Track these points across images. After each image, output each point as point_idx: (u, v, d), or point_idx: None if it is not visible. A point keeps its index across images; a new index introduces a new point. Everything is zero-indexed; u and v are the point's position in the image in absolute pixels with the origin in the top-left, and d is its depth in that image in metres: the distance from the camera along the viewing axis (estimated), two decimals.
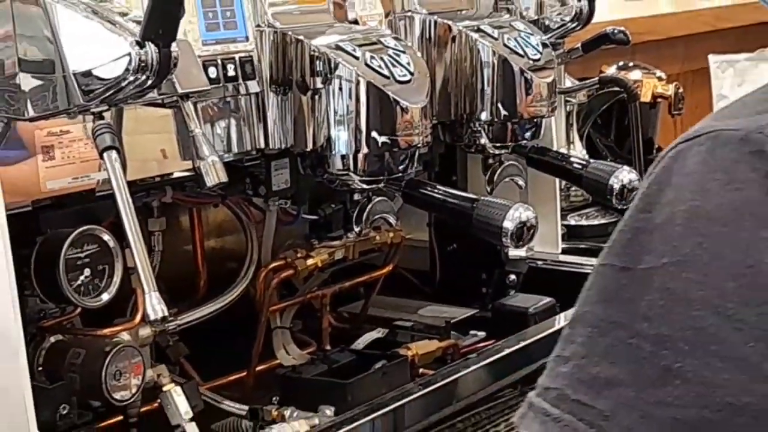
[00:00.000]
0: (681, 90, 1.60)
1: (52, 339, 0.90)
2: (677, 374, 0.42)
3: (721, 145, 0.43)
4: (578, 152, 1.32)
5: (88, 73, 0.81)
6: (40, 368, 0.89)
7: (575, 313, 0.47)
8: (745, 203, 0.42)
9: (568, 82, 1.32)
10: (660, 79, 1.56)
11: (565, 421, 0.43)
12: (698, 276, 0.42)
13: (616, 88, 1.28)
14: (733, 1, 2.69)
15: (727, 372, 0.41)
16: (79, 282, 0.87)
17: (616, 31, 1.29)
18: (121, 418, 0.94)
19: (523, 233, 1.00)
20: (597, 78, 1.30)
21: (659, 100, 1.57)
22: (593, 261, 1.10)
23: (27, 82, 0.82)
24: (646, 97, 1.47)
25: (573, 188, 1.42)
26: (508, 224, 0.98)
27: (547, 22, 1.22)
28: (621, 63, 1.54)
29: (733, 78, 1.64)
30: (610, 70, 1.38)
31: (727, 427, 0.42)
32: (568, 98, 1.37)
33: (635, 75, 1.40)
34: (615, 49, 1.33)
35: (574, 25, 1.23)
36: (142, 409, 0.94)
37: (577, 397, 0.43)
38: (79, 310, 0.90)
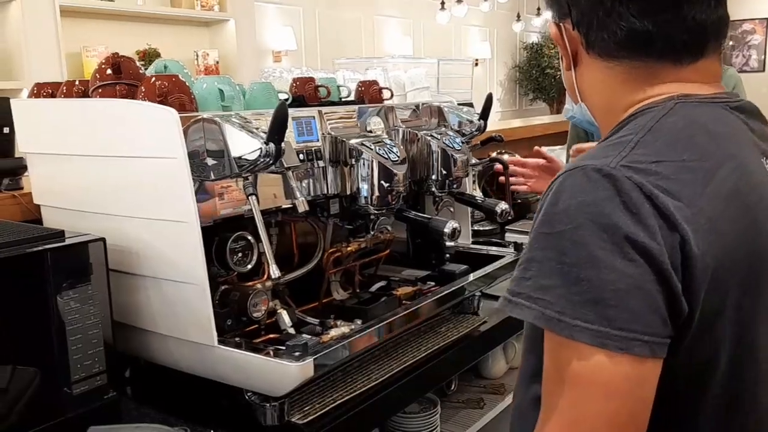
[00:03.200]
0: None
1: (222, 287, 1.23)
2: (584, 278, 0.62)
3: (589, 172, 0.65)
4: (478, 195, 1.70)
5: (240, 157, 1.13)
6: (217, 301, 1.21)
7: (529, 256, 0.66)
8: (605, 197, 0.63)
9: (474, 160, 1.71)
10: (517, 158, 1.95)
11: (532, 307, 0.64)
12: (587, 231, 0.63)
13: (497, 163, 1.77)
14: (552, 120, 3.42)
15: (610, 274, 0.61)
16: (236, 259, 1.22)
17: (497, 136, 1.82)
18: (256, 326, 1.26)
19: (454, 234, 1.45)
20: (488, 158, 1.80)
21: None
22: (486, 247, 1.72)
23: (210, 161, 1.15)
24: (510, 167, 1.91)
25: (476, 212, 1.87)
26: (447, 229, 1.44)
27: (464, 131, 1.66)
28: (499, 151, 2.02)
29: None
30: (493, 155, 1.81)
31: (612, 300, 0.61)
32: (473, 168, 1.77)
33: (505, 157, 1.82)
34: (494, 145, 1.83)
35: (476, 133, 1.69)
36: (267, 321, 1.25)
37: (536, 295, 0.64)
38: (236, 273, 1.23)
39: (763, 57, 9.45)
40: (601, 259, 0.61)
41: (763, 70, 9.42)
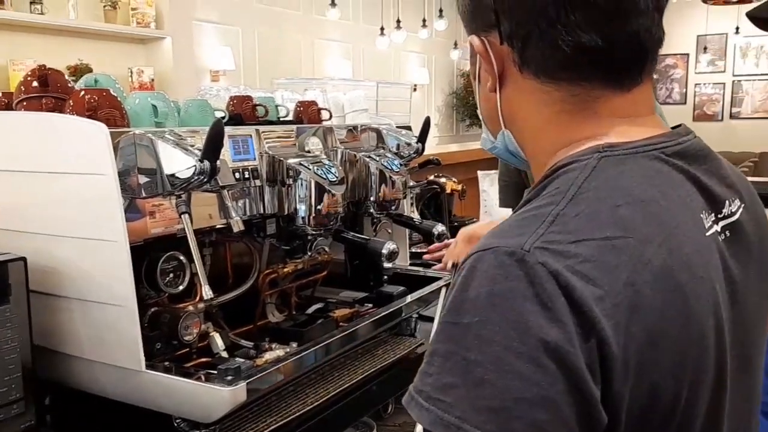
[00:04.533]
0: (464, 187, 2.17)
1: (152, 310, 1.21)
2: (487, 381, 0.54)
3: (501, 256, 0.58)
4: (416, 217, 1.76)
5: (173, 175, 1.13)
6: (146, 324, 1.19)
7: (433, 348, 0.58)
8: (516, 288, 0.56)
9: (412, 182, 1.77)
10: (454, 182, 2.12)
11: (430, 409, 0.56)
12: (494, 327, 0.55)
13: (435, 186, 1.83)
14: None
15: (515, 380, 0.54)
16: (167, 280, 1.20)
17: (434, 159, 1.88)
18: (187, 350, 1.23)
19: (391, 255, 1.50)
20: (426, 180, 1.83)
21: (454, 191, 2.12)
22: (424, 270, 1.73)
23: (142, 179, 1.14)
24: (448, 190, 2.04)
25: (413, 234, 1.89)
26: (384, 251, 1.49)
27: (401, 154, 1.70)
28: (436, 174, 2.06)
29: (488, 182, 2.25)
30: (430, 177, 1.87)
31: (516, 411, 0.54)
32: (410, 190, 1.80)
33: (443, 180, 1.91)
34: (432, 168, 1.89)
35: (414, 155, 1.73)
36: (198, 345, 1.23)
37: (436, 396, 0.56)
38: (166, 294, 1.22)
39: (684, 90, 9.99)
40: (506, 362, 0.55)
41: (685, 103, 9.96)
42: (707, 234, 0.66)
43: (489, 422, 0.54)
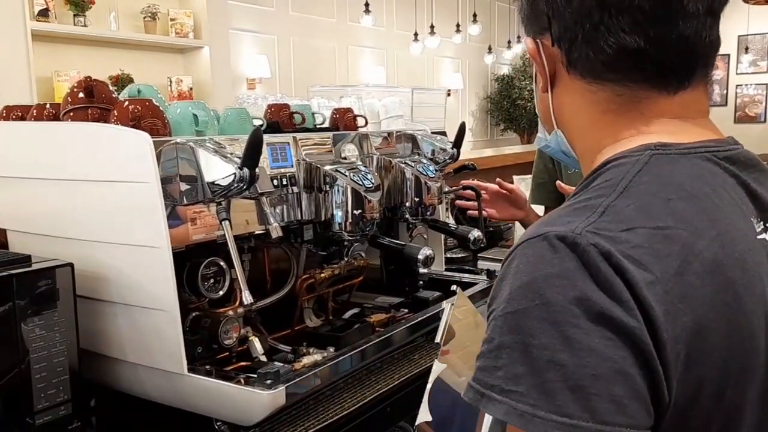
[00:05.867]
0: None
1: (193, 314, 1.22)
2: (557, 363, 0.54)
3: (552, 240, 0.58)
4: (452, 222, 1.77)
5: (213, 182, 1.15)
6: (188, 328, 1.20)
7: (498, 341, 0.57)
8: (572, 269, 0.57)
9: (447, 188, 1.76)
10: None
11: (503, 401, 0.56)
12: (556, 308, 0.56)
13: (470, 190, 1.80)
14: (522, 150, 3.57)
15: (588, 357, 0.54)
16: (208, 285, 1.22)
17: (470, 164, 1.87)
18: (227, 354, 1.24)
19: (428, 261, 1.48)
20: (461, 185, 1.82)
21: None
22: (459, 274, 1.73)
23: (183, 186, 1.15)
24: (483, 195, 1.95)
25: (449, 239, 1.92)
26: (420, 256, 1.47)
27: (437, 159, 1.69)
28: (471, 179, 1.97)
29: (524, 187, 2.16)
30: (466, 182, 1.83)
31: (593, 388, 0.53)
32: (446, 196, 1.81)
33: (476, 182, 1.84)
34: (467, 173, 1.88)
35: (450, 161, 1.72)
36: (238, 349, 1.25)
37: (509, 387, 0.56)
38: (207, 299, 1.23)
39: (725, 91, 9.77)
40: (575, 339, 0.54)
41: (726, 104, 9.73)
42: (758, 237, 0.66)
43: (566, 405, 0.54)
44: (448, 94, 7.38)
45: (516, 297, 0.58)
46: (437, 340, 1.02)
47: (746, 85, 9.74)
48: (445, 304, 1.07)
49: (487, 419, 0.71)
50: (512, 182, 2.77)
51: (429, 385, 0.99)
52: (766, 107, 9.67)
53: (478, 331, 1.11)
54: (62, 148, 1.25)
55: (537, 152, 2.06)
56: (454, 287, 1.32)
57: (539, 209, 2.07)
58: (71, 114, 1.27)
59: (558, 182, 1.69)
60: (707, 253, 0.60)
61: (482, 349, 0.60)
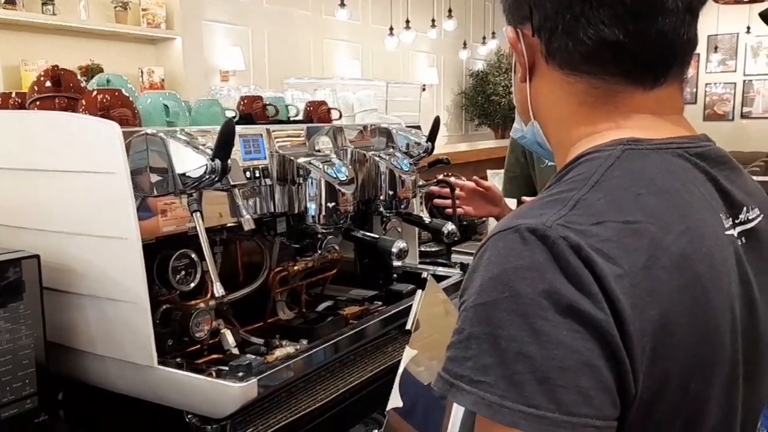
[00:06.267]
0: None
1: (164, 307, 1.22)
2: (526, 354, 0.55)
3: (523, 233, 0.59)
4: (425, 216, 1.77)
5: (184, 174, 1.14)
6: (158, 321, 1.20)
7: (468, 332, 0.58)
8: (541, 261, 0.57)
9: (421, 182, 1.79)
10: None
11: (472, 391, 0.57)
12: (525, 300, 0.56)
13: (445, 185, 1.82)
14: (497, 145, 3.65)
15: (555, 349, 0.55)
16: (178, 277, 1.22)
17: (444, 158, 1.90)
18: (198, 346, 1.25)
19: (401, 254, 1.48)
20: (435, 180, 1.85)
21: None
22: (433, 267, 1.74)
23: (154, 178, 1.15)
24: (457, 190, 1.94)
25: (423, 233, 1.92)
26: (394, 249, 1.48)
27: (411, 153, 1.70)
28: (445, 173, 2.03)
29: (498, 181, 2.26)
30: (440, 177, 1.88)
31: (560, 380, 0.54)
32: (420, 189, 1.81)
33: (452, 179, 1.87)
34: (441, 167, 1.90)
35: (424, 155, 1.72)
36: (210, 342, 1.25)
37: (477, 378, 0.57)
38: (178, 291, 1.23)
39: (695, 90, 9.94)
40: (543, 331, 0.55)
41: (695, 102, 9.91)
42: (726, 233, 0.67)
43: (533, 396, 0.54)
44: (423, 89, 7.40)
45: (486, 288, 0.59)
46: (408, 326, 1.03)
47: (715, 83, 9.93)
48: (417, 292, 1.08)
49: (456, 409, 0.72)
50: (486, 177, 2.80)
51: (400, 371, 1.00)
52: (734, 106, 9.86)
53: (448, 319, 1.12)
54: (29, 138, 1.23)
55: (509, 146, 2.07)
56: (425, 275, 1.34)
57: (512, 203, 2.09)
58: (38, 103, 1.26)
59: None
60: (675, 247, 0.60)
61: (453, 340, 0.60)
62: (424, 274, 1.38)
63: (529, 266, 0.58)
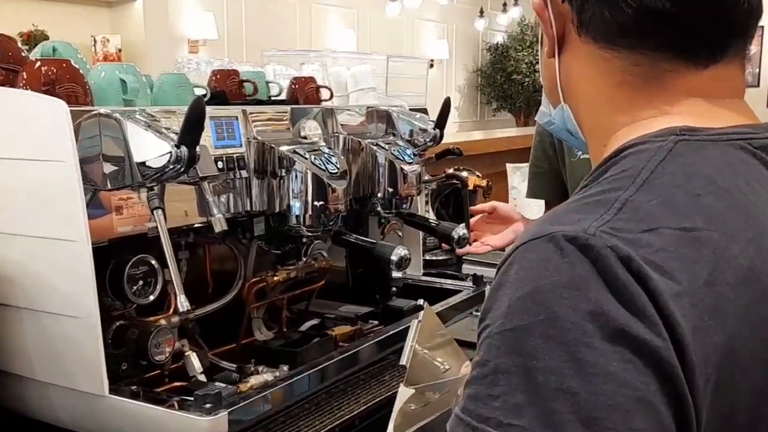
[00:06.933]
0: (490, 183, 2.26)
1: (117, 323, 1.23)
2: (567, 390, 0.54)
3: (560, 242, 0.58)
4: (432, 217, 1.81)
5: (144, 163, 1.13)
6: (110, 340, 1.21)
7: (494, 365, 0.57)
8: (585, 277, 0.57)
9: (427, 176, 1.81)
10: (478, 176, 2.21)
11: None
12: (566, 324, 0.55)
13: (455, 181, 1.86)
14: (518, 133, 3.68)
15: (604, 384, 0.54)
16: (135, 288, 1.22)
17: (455, 148, 1.91)
18: (158, 371, 1.26)
19: (402, 263, 1.50)
20: (444, 174, 1.86)
21: (478, 188, 2.22)
22: (440, 280, 1.77)
23: (107, 168, 1.15)
24: (470, 186, 2.09)
25: (428, 237, 1.97)
26: (394, 257, 1.49)
27: (415, 142, 1.72)
28: (455, 167, 2.06)
29: (519, 177, 2.30)
30: (449, 171, 1.91)
31: (609, 421, 0.53)
32: (426, 186, 1.84)
33: (464, 174, 1.93)
34: (451, 159, 1.91)
35: (431, 144, 1.75)
36: (171, 366, 1.27)
37: (508, 420, 0.55)
38: (134, 305, 1.24)
39: (758, 70, 9.92)
40: (588, 362, 0.54)
41: (758, 85, 9.88)
42: None
43: None
44: (431, 65, 7.42)
45: (516, 310, 0.58)
46: (402, 362, 1.04)
47: None
48: (412, 322, 1.09)
49: None
50: (506, 172, 2.79)
51: (394, 414, 1.01)
52: None
53: (448, 350, 1.14)
54: None
55: (535, 135, 2.07)
56: (421, 301, 1.35)
57: (537, 208, 2.10)
58: None
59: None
60: (742, 258, 0.60)
61: (473, 374, 0.60)
62: (420, 301, 1.39)
63: (569, 282, 0.57)
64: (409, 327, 1.13)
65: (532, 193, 2.04)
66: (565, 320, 0.56)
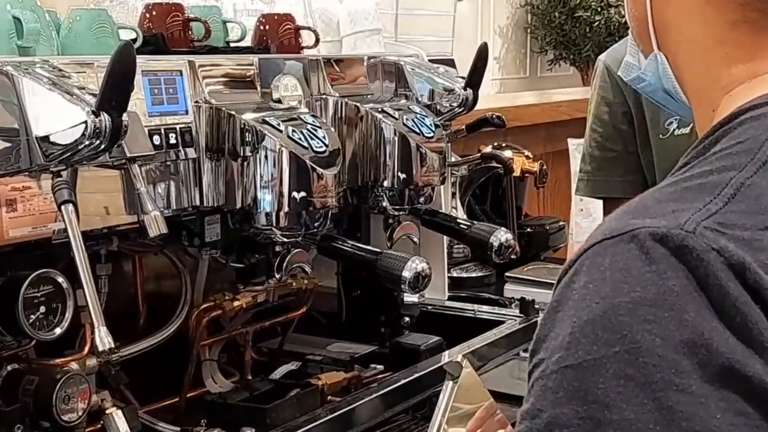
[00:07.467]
0: (545, 167, 2.27)
1: (9, 367, 1.23)
2: None
3: (646, 242, 0.60)
4: (462, 216, 1.82)
5: (48, 138, 1.15)
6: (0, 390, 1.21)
7: (551, 413, 0.60)
8: (675, 291, 0.58)
9: (455, 157, 1.82)
10: (527, 157, 2.22)
11: None
12: (651, 360, 0.57)
13: (493, 164, 1.87)
14: (585, 95, 3.67)
15: None
16: (34, 318, 1.21)
17: (494, 117, 1.87)
18: None
19: (419, 281, 1.48)
20: (479, 154, 1.86)
21: (527, 174, 2.23)
22: (474, 307, 1.77)
23: None
24: (516, 172, 2.09)
25: (456, 245, 1.99)
26: (407, 273, 1.47)
27: (438, 107, 1.71)
28: (495, 143, 2.11)
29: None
30: (487, 150, 1.92)
31: None
32: (453, 170, 1.85)
33: (508, 154, 1.97)
34: (489, 132, 1.91)
35: (460, 110, 1.74)
36: (87, 430, 1.28)
37: None
38: (34, 342, 1.24)
39: None
40: (683, 413, 0.56)
41: None
42: None
43: None
44: None
45: (582, 339, 0.60)
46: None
47: None
48: (445, 384, 1.11)
49: None
50: (567, 151, 2.77)
51: None
52: None
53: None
54: None
55: (598, 101, 2.03)
56: (459, 358, 1.34)
57: (594, 210, 2.08)
58: None
59: None
60: None
61: (521, 429, 0.61)
62: (458, 357, 1.39)
63: (657, 300, 0.58)
64: (440, 390, 1.15)
65: (591, 189, 1.99)
66: (650, 353, 0.57)
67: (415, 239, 1.78)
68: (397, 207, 1.67)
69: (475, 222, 1.76)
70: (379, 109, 1.63)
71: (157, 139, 1.35)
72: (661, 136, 1.87)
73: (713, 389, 0.56)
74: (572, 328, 0.60)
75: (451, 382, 1.10)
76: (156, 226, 1.24)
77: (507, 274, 2.25)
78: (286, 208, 1.43)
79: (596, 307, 0.60)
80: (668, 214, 0.61)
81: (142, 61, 1.34)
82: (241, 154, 1.43)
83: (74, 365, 1.28)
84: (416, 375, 1.52)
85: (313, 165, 1.42)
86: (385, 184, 1.64)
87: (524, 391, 0.64)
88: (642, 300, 0.58)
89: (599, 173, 1.95)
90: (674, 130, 1.80)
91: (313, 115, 1.50)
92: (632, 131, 1.91)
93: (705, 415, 0.56)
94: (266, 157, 1.42)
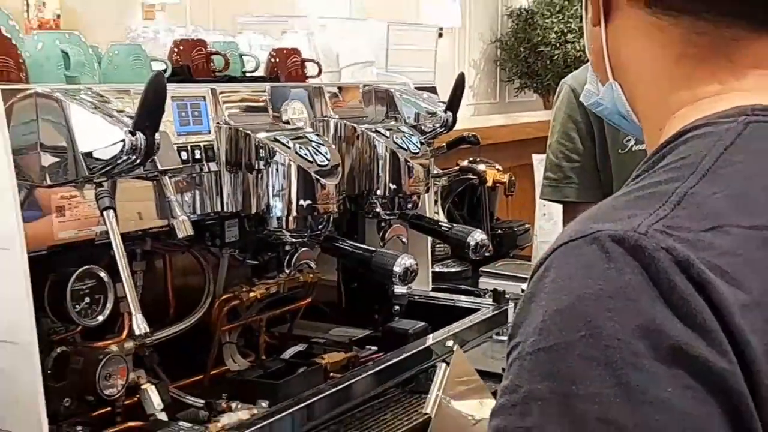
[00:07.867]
0: (513, 178, 2.25)
1: (59, 349, 1.24)
2: (613, 422, 0.55)
3: (605, 242, 0.60)
4: (443, 220, 1.83)
5: (91, 154, 1.16)
6: (50, 371, 1.21)
7: (527, 388, 0.59)
8: (634, 285, 0.58)
9: (437, 170, 1.85)
10: (498, 170, 2.21)
11: None
12: (611, 342, 0.56)
13: (469, 175, 1.88)
14: (547, 117, 3.67)
15: (657, 414, 0.55)
16: (80, 307, 1.23)
17: (470, 136, 1.92)
18: (109, 409, 1.28)
19: (407, 275, 1.50)
20: (458, 167, 1.88)
21: (498, 184, 2.21)
22: (454, 297, 1.77)
23: (46, 159, 1.18)
24: (489, 182, 2.12)
25: (438, 244, 2.00)
26: (397, 268, 1.49)
27: (422, 127, 1.73)
28: (471, 158, 2.13)
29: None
30: (464, 163, 1.94)
31: None
32: (435, 181, 1.86)
33: (481, 167, 1.98)
34: (466, 149, 1.94)
35: (441, 130, 1.76)
36: (125, 402, 1.29)
37: None
38: (79, 327, 1.26)
39: None
40: (639, 387, 0.56)
41: None
42: None
43: None
44: (440, 35, 7.37)
45: (552, 326, 0.59)
46: (426, 410, 1.04)
47: None
48: (439, 367, 1.08)
49: None
50: (532, 165, 2.77)
51: None
52: None
53: (479, 398, 1.12)
54: None
55: (564, 120, 2.02)
56: (449, 343, 1.35)
57: (557, 210, 2.08)
58: None
59: None
60: None
61: (501, 402, 0.61)
62: (449, 343, 1.39)
63: (616, 292, 0.58)
64: (426, 368, 1.12)
65: (550, 193, 2.00)
66: (610, 337, 0.57)
67: (404, 239, 1.80)
68: (388, 212, 1.69)
69: (454, 225, 1.78)
70: (373, 129, 1.65)
71: (184, 155, 1.37)
72: (620, 151, 1.88)
73: (665, 367, 0.56)
74: (544, 317, 0.60)
75: (444, 364, 1.10)
76: (184, 229, 1.26)
77: (481, 269, 2.27)
78: (294, 213, 1.43)
79: (565, 298, 0.59)
80: (624, 219, 0.61)
81: (171, 89, 1.33)
82: (256, 167, 1.43)
83: (114, 347, 1.29)
84: (405, 355, 1.53)
85: (317, 176, 1.43)
86: (378, 192, 1.66)
87: (497, 368, 0.64)
88: (603, 293, 0.58)
89: (564, 181, 1.97)
90: (632, 146, 1.81)
91: (317, 134, 1.51)
92: (593, 147, 1.92)
93: (657, 389, 0.55)
94: (277, 170, 1.42)
